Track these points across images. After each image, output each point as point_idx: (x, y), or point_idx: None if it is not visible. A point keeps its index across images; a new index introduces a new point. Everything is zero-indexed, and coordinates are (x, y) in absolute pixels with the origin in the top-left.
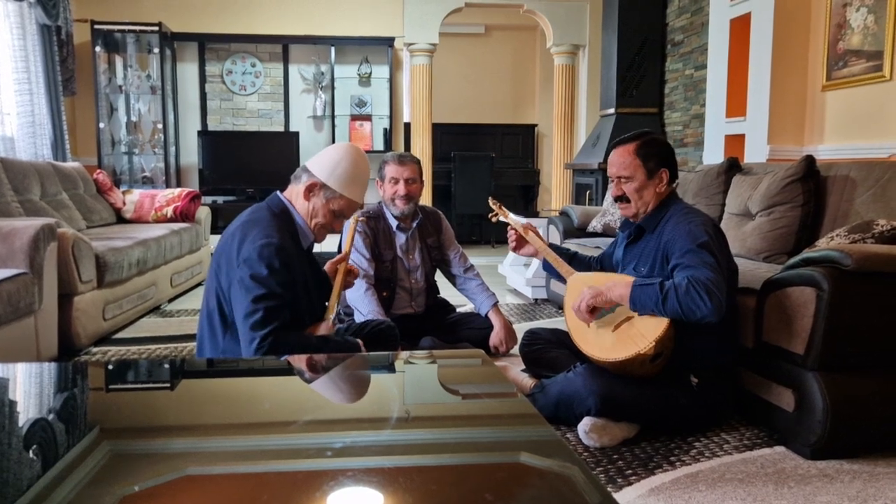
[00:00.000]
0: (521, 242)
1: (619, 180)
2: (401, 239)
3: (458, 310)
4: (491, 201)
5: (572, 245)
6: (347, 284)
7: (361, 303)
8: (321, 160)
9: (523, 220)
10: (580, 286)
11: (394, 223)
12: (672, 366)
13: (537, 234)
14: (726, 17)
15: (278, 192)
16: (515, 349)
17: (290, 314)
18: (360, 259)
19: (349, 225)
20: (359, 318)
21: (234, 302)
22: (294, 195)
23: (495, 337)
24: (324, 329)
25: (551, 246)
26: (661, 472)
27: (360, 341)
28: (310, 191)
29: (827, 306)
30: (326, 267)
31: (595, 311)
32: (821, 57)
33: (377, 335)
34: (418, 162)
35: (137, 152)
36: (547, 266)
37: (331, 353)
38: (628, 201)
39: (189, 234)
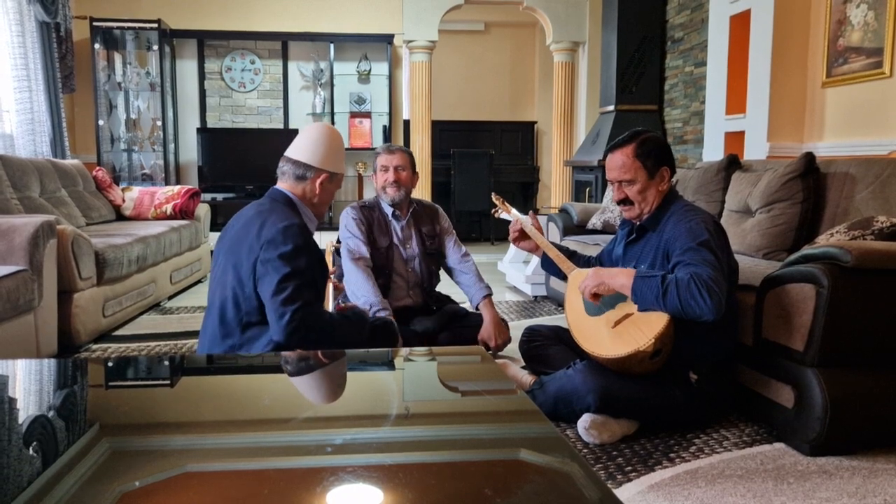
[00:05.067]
0: (522, 236)
1: (621, 184)
2: (396, 228)
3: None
4: (494, 196)
5: (572, 243)
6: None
7: (360, 288)
8: (317, 150)
9: (524, 217)
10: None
11: (389, 211)
12: (671, 363)
13: (540, 229)
14: (726, 13)
15: (277, 187)
16: (514, 347)
17: (315, 292)
18: (356, 243)
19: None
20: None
21: (260, 283)
22: (300, 190)
23: (483, 331)
24: None
25: (551, 243)
26: (660, 469)
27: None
28: (322, 184)
29: (826, 303)
30: None
31: (597, 298)
32: (821, 54)
33: (374, 331)
34: (409, 153)
35: (137, 149)
36: (546, 264)
37: (353, 329)
38: (632, 204)
39: (188, 231)
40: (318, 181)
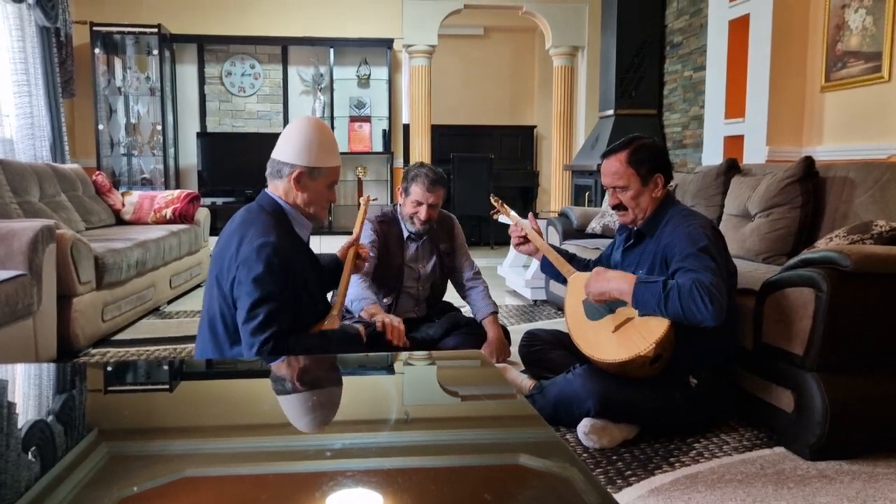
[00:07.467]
0: (524, 240)
1: (615, 190)
2: (411, 248)
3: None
4: (492, 198)
5: (571, 247)
6: (357, 268)
7: (354, 293)
8: (291, 146)
9: (523, 221)
10: (581, 285)
11: (405, 233)
12: (671, 367)
13: (539, 232)
14: (725, 18)
15: (267, 190)
16: (514, 351)
17: (290, 315)
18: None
19: (360, 208)
20: (355, 311)
21: (237, 304)
22: (282, 191)
23: (486, 347)
24: (328, 325)
25: (551, 246)
26: (660, 473)
27: (360, 328)
28: (298, 181)
29: (826, 307)
30: (338, 252)
31: (601, 302)
32: (819, 58)
33: (379, 336)
34: (447, 186)
35: (136, 154)
36: (546, 267)
37: (330, 351)
38: (626, 209)
39: (188, 236)
40: (293, 177)
